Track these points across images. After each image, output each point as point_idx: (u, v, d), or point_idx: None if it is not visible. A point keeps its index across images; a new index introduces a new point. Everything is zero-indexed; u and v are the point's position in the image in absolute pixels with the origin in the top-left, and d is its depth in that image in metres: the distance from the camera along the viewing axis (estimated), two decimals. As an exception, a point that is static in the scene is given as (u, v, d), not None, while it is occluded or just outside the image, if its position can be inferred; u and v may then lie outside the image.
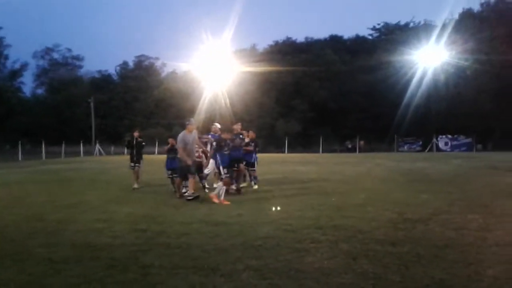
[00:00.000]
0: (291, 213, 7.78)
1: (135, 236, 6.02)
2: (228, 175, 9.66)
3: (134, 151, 12.76)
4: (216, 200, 9.16)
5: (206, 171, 10.98)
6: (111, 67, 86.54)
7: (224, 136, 10.38)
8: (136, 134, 13.00)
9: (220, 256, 4.92)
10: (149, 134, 55.06)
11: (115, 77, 73.73)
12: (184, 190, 10.23)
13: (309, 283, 3.94)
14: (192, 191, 9.66)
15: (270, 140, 51.64)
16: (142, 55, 72.06)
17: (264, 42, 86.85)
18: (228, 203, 9.06)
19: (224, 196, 9.46)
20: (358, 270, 4.30)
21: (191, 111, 49.77)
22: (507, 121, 43.00)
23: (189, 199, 9.52)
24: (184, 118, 48.70)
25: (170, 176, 11.33)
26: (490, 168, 18.51)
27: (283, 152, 45.84)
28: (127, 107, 64.76)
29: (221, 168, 9.79)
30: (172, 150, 11.23)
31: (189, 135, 10.02)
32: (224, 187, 9.45)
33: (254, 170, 12.29)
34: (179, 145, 9.87)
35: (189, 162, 9.74)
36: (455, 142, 44.88)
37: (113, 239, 5.90)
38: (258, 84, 53.54)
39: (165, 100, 62.30)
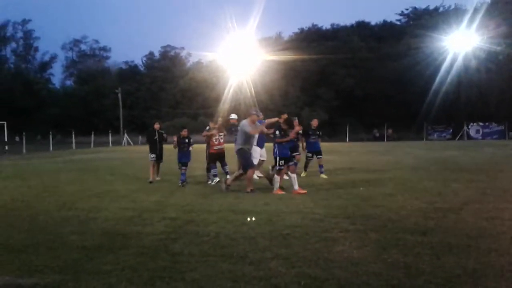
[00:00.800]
0: (318, 203, 7.74)
1: (164, 225, 6.09)
2: (283, 167, 9.32)
3: (157, 144, 12.28)
4: (280, 192, 9.00)
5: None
6: (137, 58, 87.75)
7: (284, 126, 9.81)
8: (156, 126, 12.57)
9: (249, 244, 4.93)
10: (175, 124, 55.75)
11: (141, 68, 74.63)
12: (229, 177, 10.11)
13: (338, 272, 3.91)
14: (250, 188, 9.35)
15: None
16: (168, 46, 72.64)
17: (290, 30, 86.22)
18: (304, 191, 8.92)
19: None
20: (388, 260, 4.23)
21: (217, 100, 50.08)
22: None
23: (226, 188, 9.50)
24: (209, 108, 49.25)
25: (184, 169, 10.92)
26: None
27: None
28: (153, 98, 65.50)
29: (277, 158, 9.32)
30: (184, 142, 11.08)
31: (252, 126, 9.63)
32: (278, 178, 9.25)
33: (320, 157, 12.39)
34: (248, 129, 9.45)
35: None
36: (486, 130, 43.73)
37: (142, 227, 5.99)
38: (283, 72, 53.27)
39: (190, 90, 62.73)
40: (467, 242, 4.88)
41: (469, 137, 42.97)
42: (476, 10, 46.20)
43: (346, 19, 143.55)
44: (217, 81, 54.29)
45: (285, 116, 10.19)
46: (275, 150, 9.37)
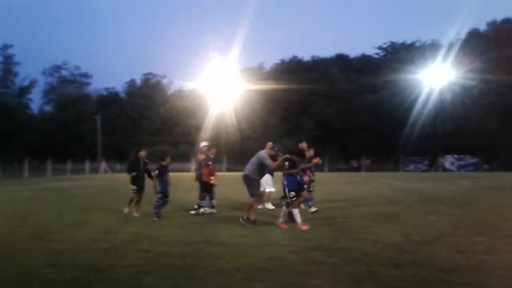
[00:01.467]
0: (296, 234, 7.75)
1: (138, 257, 6.00)
2: (294, 199, 8.86)
3: (140, 173, 10.97)
4: (284, 226, 8.62)
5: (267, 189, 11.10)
6: (118, 85, 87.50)
7: (295, 158, 9.52)
8: (142, 154, 11.26)
9: (224, 278, 4.89)
10: (155, 152, 55.30)
11: (122, 95, 74.47)
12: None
13: (313, 308, 3.90)
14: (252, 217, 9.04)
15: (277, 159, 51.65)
16: (150, 73, 72.94)
17: (271, 61, 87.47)
18: (307, 227, 8.37)
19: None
20: (362, 294, 4.25)
21: (197, 129, 50.11)
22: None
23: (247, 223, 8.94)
24: (189, 136, 48.98)
25: (160, 200, 10.11)
26: (497, 189, 18.37)
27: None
28: (134, 124, 65.20)
29: (286, 190, 8.93)
30: (167, 171, 10.35)
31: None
32: (287, 211, 8.89)
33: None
34: (268, 162, 9.20)
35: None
36: (461, 162, 44.59)
37: (116, 259, 5.88)
38: (264, 102, 53.88)
39: (171, 118, 62.72)
40: (440, 276, 4.95)
41: (445, 169, 43.68)
42: (451, 46, 47.97)
43: (326, 51, 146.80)
44: (198, 109, 54.47)
45: (303, 144, 10.51)
46: (284, 182, 9.07)
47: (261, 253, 6.12)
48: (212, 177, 11.09)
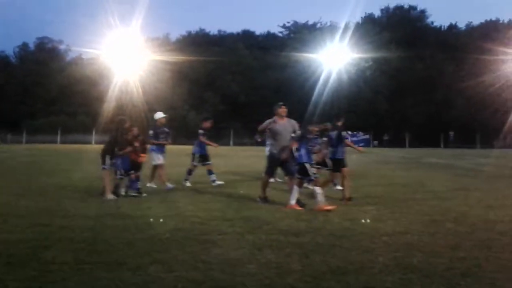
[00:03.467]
0: (199, 206, 7.90)
1: (35, 231, 5.72)
2: (317, 175, 8.47)
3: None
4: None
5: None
6: (9, 48, 79.27)
7: (312, 128, 9.36)
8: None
9: (128, 249, 4.87)
10: (51, 123, 51.74)
11: (13, 59, 67.88)
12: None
13: (215, 274, 4.07)
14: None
15: (182, 131, 51.16)
16: (45, 37, 67.01)
17: (177, 32, 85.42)
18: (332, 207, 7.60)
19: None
20: (262, 260, 4.51)
21: (99, 99, 47.62)
22: (400, 119, 47.12)
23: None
24: (90, 106, 46.28)
25: (123, 176, 9.12)
26: (384, 163, 20.19)
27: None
28: (26, 92, 59.92)
29: (307, 166, 8.16)
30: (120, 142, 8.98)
31: (281, 122, 8.28)
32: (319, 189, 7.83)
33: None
34: (262, 126, 8.23)
35: (284, 155, 8.06)
36: (354, 138, 47.96)
37: (9, 234, 5.56)
38: (171, 74, 52.62)
39: (69, 87, 58.61)
40: (332, 242, 5.36)
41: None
42: (347, 28, 50.67)
43: (233, 27, 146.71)
44: (100, 79, 51.60)
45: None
46: (302, 155, 8.20)
47: (166, 225, 6.17)
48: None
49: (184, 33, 68.79)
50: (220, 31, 71.56)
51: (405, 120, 49.73)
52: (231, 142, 47.99)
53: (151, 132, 10.73)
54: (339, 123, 9.54)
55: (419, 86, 51.85)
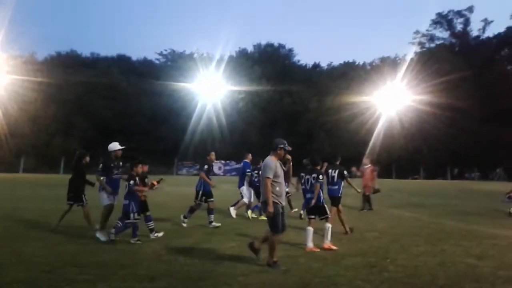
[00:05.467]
0: (51, 249, 7.25)
1: None
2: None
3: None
4: (333, 247, 7.84)
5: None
6: None
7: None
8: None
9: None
10: None
11: None
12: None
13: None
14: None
15: (44, 159, 47.19)
16: None
17: (45, 52, 79.28)
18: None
19: None
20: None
21: None
22: (269, 149, 49.66)
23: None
24: None
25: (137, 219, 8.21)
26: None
27: (58, 173, 42.35)
28: None
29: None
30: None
31: (277, 163, 6.74)
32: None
33: None
34: (266, 175, 6.48)
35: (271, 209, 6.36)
36: (227, 167, 49.10)
37: None
38: (35, 95, 48.42)
39: None
40: (188, 286, 5.33)
41: (213, 173, 47.31)
42: (222, 61, 52.44)
43: (107, 50, 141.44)
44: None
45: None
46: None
47: (8, 274, 5.55)
48: None
49: (53, 53, 64.31)
50: (93, 54, 68.50)
51: (274, 150, 52.51)
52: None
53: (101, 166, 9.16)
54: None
55: (286, 119, 55.37)
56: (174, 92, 51.85)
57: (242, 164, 13.53)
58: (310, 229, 7.84)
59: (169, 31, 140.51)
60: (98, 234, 8.17)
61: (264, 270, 6.16)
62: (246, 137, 50.80)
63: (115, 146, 9.43)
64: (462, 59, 54.62)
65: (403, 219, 10.95)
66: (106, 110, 56.09)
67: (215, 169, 47.98)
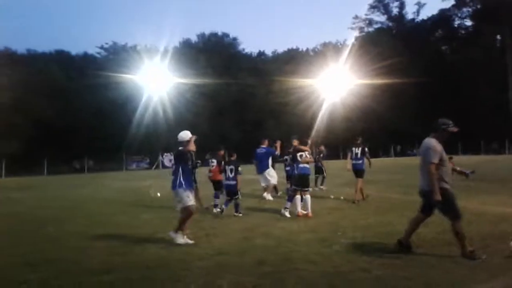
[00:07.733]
0: (2, 250, 7.00)
1: None
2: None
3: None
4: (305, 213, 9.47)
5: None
6: None
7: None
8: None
9: None
10: None
11: None
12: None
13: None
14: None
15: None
16: None
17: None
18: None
19: None
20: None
21: None
22: (220, 139, 49.60)
23: None
24: None
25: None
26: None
27: (0, 177, 40.51)
28: None
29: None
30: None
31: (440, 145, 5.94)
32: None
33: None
34: (433, 160, 5.77)
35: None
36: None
37: None
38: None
39: None
40: (146, 275, 5.34)
41: (164, 166, 46.70)
42: (166, 52, 51.54)
43: (44, 45, 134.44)
44: None
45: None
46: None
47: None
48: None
49: (-18, 51, 60.39)
50: (29, 50, 65.08)
51: (225, 139, 52.31)
52: (46, 171, 43.83)
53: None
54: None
55: (235, 107, 55.57)
56: (118, 85, 50.42)
57: (262, 150, 13.93)
58: (298, 197, 9.48)
59: (109, 24, 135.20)
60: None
61: (220, 253, 6.29)
62: (196, 128, 50.29)
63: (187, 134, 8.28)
64: (399, 42, 56.95)
65: (352, 195, 11.46)
66: (48, 108, 53.72)
67: (166, 161, 47.47)
